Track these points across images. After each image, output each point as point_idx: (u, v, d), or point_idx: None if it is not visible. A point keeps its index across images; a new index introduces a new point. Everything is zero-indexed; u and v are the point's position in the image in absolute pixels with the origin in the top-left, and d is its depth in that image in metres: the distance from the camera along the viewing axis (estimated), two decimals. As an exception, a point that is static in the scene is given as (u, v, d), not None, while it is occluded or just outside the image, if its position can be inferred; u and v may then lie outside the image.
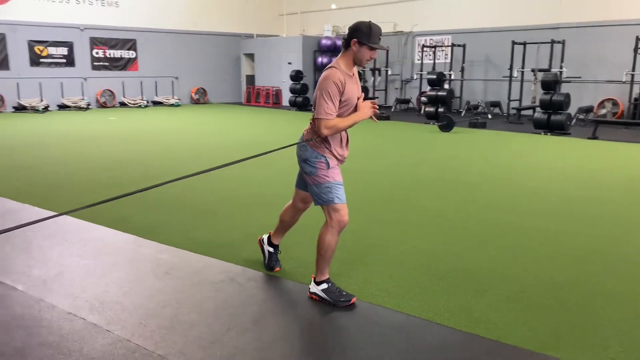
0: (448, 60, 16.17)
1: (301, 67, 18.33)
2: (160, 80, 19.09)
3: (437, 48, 16.48)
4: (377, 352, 2.58)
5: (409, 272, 3.55)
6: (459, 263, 3.73)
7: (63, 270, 3.55)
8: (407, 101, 17.52)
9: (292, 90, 17.26)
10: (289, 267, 3.60)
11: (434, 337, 2.74)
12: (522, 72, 13.89)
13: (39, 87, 16.45)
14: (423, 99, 15.15)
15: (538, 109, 11.99)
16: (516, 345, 2.62)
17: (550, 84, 11.22)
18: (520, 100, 14.12)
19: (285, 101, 19.04)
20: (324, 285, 3.06)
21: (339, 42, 17.64)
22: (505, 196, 5.79)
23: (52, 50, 16.75)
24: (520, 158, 8.43)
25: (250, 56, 20.74)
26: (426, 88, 15.02)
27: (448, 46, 16.18)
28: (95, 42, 17.60)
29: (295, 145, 3.06)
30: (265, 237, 3.58)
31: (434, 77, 13.78)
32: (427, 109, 13.87)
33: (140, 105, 17.98)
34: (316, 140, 2.96)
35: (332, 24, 19.09)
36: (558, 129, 11.07)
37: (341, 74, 2.87)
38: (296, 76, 17.01)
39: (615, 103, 13.16)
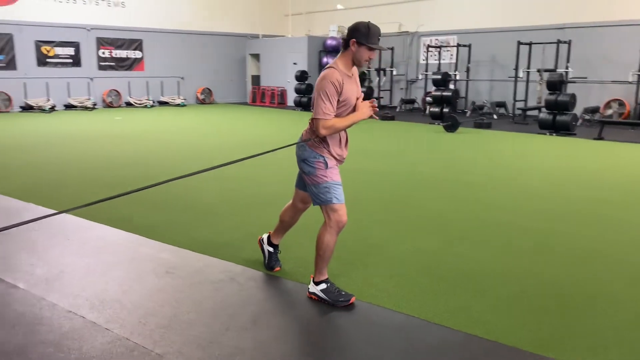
0: (453, 61, 16.13)
1: (306, 68, 18.34)
2: (166, 81, 19.16)
3: (443, 48, 16.44)
4: (375, 352, 2.57)
5: (409, 273, 3.54)
6: (459, 263, 3.72)
7: (64, 269, 3.57)
8: (412, 101, 17.50)
9: (297, 91, 17.28)
10: (289, 267, 3.60)
11: (432, 338, 2.73)
12: (528, 72, 13.83)
13: (45, 87, 16.55)
14: (428, 99, 15.11)
15: (543, 109, 11.94)
16: (515, 347, 2.61)
17: (556, 85, 11.17)
18: (525, 100, 14.07)
19: (290, 101, 19.07)
20: (323, 285, 3.06)
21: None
22: (507, 196, 5.76)
23: (58, 50, 16.85)
24: (524, 158, 8.40)
25: (256, 56, 20.78)
26: (431, 88, 14.98)
27: (453, 46, 16.14)
28: (101, 42, 17.69)
29: (295, 146, 3.07)
30: (265, 236, 3.58)
31: (439, 77, 13.75)
32: (432, 109, 13.84)
33: (146, 105, 18.05)
34: (315, 140, 2.96)
35: (337, 24, 19.09)
36: (563, 129, 11.01)
37: (339, 74, 2.87)
38: (301, 76, 17.03)
39: (621, 103, 13.08)
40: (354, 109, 2.98)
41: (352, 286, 3.28)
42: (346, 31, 2.92)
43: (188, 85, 19.75)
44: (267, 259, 3.56)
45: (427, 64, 16.53)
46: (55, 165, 7.42)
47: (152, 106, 18.15)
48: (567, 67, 13.00)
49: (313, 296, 3.11)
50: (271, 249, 3.54)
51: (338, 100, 2.88)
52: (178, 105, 18.71)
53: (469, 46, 15.50)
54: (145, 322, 2.83)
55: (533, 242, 4.23)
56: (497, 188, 6.20)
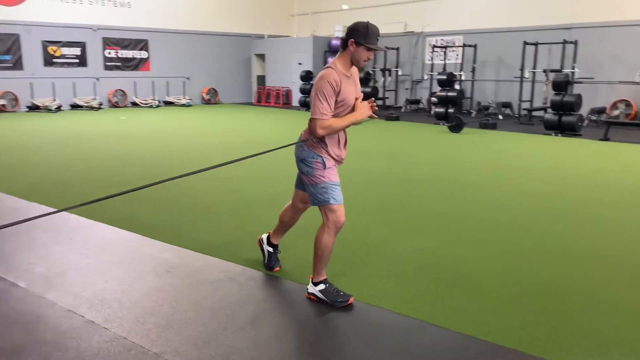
0: (459, 61, 16.08)
1: (311, 68, 18.34)
2: (172, 81, 19.22)
3: (448, 48, 16.39)
4: (373, 353, 2.57)
5: (407, 272, 3.54)
6: (458, 263, 3.70)
7: (65, 268, 3.59)
8: (418, 102, 17.46)
9: (302, 91, 17.28)
10: (289, 267, 3.60)
11: (429, 339, 2.72)
12: (534, 72, 13.77)
13: (52, 86, 16.65)
14: (433, 99, 15.08)
15: (549, 110, 11.88)
16: (512, 348, 2.60)
17: (562, 85, 11.11)
18: (531, 101, 14.01)
19: (295, 101, 19.08)
20: (322, 286, 3.06)
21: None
22: (507, 196, 5.74)
23: (65, 50, 16.95)
24: (527, 159, 8.35)
25: (261, 57, 20.80)
26: (437, 88, 14.95)
27: (459, 46, 16.09)
28: (107, 43, 17.78)
29: (294, 146, 3.07)
30: (264, 236, 3.58)
31: (444, 77, 13.72)
32: (436, 110, 13.80)
33: (151, 105, 18.12)
34: (313, 140, 2.96)
35: (343, 25, 19.07)
36: (569, 130, 10.95)
37: (337, 74, 2.86)
38: (306, 76, 17.03)
39: (628, 104, 12.99)
40: (353, 109, 2.97)
41: (352, 286, 3.27)
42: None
43: (193, 85, 19.81)
44: (266, 259, 3.56)
45: (432, 64, 16.50)
46: (60, 164, 7.46)
47: (157, 106, 18.21)
48: (573, 68, 12.93)
49: (312, 297, 3.10)
50: (271, 249, 3.55)
51: (336, 100, 2.87)
52: (183, 105, 18.77)
53: (475, 46, 15.44)
54: (143, 321, 2.84)
55: (532, 242, 4.21)
56: (496, 188, 6.17)
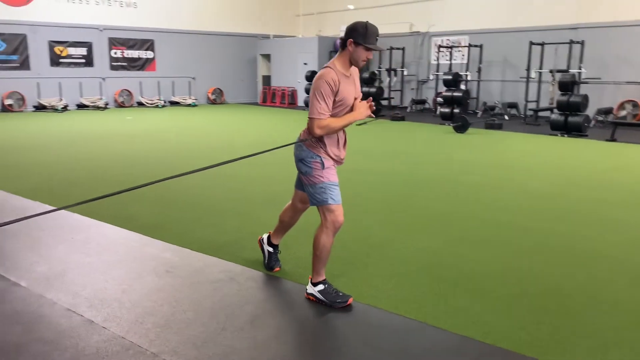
0: (465, 61, 16.01)
1: (317, 68, 18.33)
2: (178, 81, 19.27)
3: (454, 48, 16.33)
4: (371, 353, 2.56)
5: (409, 273, 3.52)
6: (462, 264, 3.69)
7: (66, 268, 3.60)
8: (423, 102, 17.41)
9: (308, 91, 17.28)
10: (289, 267, 3.59)
11: (429, 340, 2.71)
12: (540, 73, 13.69)
13: (58, 86, 16.74)
14: (439, 99, 15.03)
15: (555, 110, 11.81)
16: (512, 350, 2.58)
17: (568, 85, 11.05)
18: (537, 101, 13.93)
19: (300, 101, 19.09)
20: (321, 287, 3.05)
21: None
22: (510, 197, 5.71)
23: (71, 50, 17.03)
24: (534, 159, 8.30)
25: (267, 57, 20.82)
26: (442, 89, 14.90)
27: (465, 46, 16.03)
28: (113, 43, 17.85)
29: (293, 145, 3.06)
30: (265, 236, 3.58)
31: (450, 77, 13.67)
32: (442, 110, 13.76)
33: (157, 105, 18.17)
34: (312, 140, 2.95)
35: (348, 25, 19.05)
36: (575, 130, 10.88)
37: (335, 73, 2.85)
38: (311, 77, 17.04)
39: (635, 105, 12.88)
40: (351, 109, 2.96)
41: (352, 287, 3.27)
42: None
43: (199, 85, 19.85)
44: (266, 259, 3.56)
45: (438, 64, 16.44)
46: (66, 164, 7.49)
47: (163, 106, 18.27)
48: (580, 68, 12.85)
49: (311, 297, 3.10)
50: (271, 249, 3.54)
51: (334, 100, 2.86)
52: (189, 105, 18.81)
53: (481, 46, 15.38)
54: (142, 321, 2.84)
55: (535, 242, 4.18)
56: (501, 188, 6.14)
